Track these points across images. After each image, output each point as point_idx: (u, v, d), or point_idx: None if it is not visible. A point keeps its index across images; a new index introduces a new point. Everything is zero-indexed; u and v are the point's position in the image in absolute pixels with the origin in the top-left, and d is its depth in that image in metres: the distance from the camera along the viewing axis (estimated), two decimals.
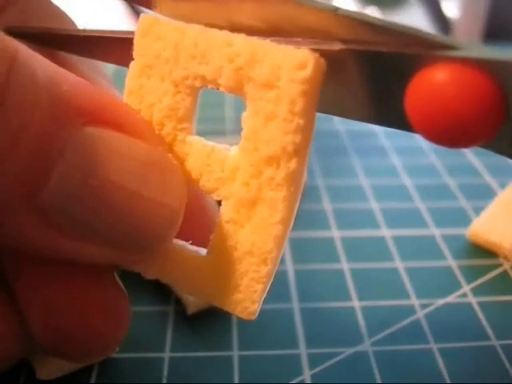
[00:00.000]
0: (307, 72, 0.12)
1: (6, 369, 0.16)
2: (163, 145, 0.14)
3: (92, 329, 0.14)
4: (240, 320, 0.21)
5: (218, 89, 0.13)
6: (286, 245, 0.24)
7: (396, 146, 0.33)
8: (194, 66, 0.13)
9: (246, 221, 0.13)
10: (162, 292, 0.22)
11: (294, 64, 0.12)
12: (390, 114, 0.13)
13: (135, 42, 0.14)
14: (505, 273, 0.23)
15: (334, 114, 0.14)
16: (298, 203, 0.13)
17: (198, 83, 0.13)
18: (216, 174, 0.13)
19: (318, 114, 0.14)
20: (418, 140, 0.33)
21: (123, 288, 0.16)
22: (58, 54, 0.17)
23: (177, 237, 0.14)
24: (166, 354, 0.19)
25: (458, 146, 0.12)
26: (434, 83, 0.11)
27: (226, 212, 0.13)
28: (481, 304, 0.21)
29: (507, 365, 0.19)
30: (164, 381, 0.18)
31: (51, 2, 0.19)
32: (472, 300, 0.22)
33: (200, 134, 0.35)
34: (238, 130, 0.37)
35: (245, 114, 0.13)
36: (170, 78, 0.13)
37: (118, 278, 0.15)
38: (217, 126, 0.35)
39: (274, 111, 0.12)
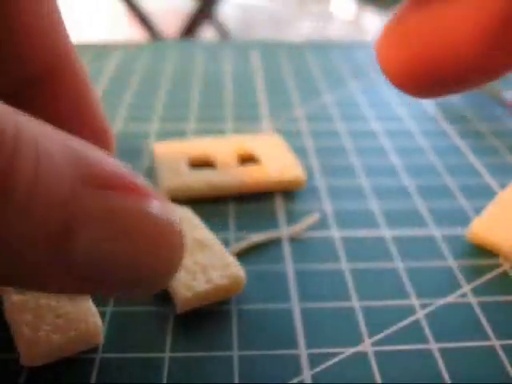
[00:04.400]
0: None
1: None
2: (169, 205, 0.15)
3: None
4: (240, 320, 0.21)
5: None
6: (286, 245, 0.24)
7: (396, 146, 0.33)
8: None
9: None
10: (162, 292, 0.22)
11: None
12: None
13: None
14: (505, 273, 0.23)
15: None
16: None
17: None
18: None
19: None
20: (418, 140, 0.33)
21: None
22: None
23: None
24: (166, 354, 0.19)
25: None
26: None
27: None
28: (481, 304, 0.22)
29: (507, 365, 0.19)
30: (164, 381, 0.18)
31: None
32: (472, 300, 0.22)
33: (200, 133, 0.36)
34: (238, 130, 0.37)
35: None
36: None
37: None
38: (217, 126, 0.35)
39: None
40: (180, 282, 0.20)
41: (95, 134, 0.23)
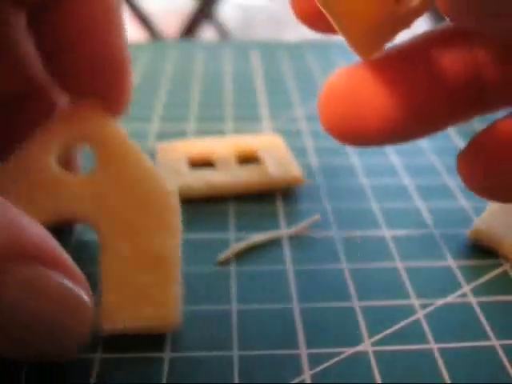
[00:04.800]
0: None
1: None
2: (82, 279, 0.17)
3: None
4: (240, 320, 0.21)
5: None
6: (286, 246, 0.24)
7: (396, 146, 0.33)
8: None
9: None
10: None
11: None
12: None
13: None
14: (505, 273, 0.23)
15: None
16: None
17: None
18: None
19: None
20: (418, 140, 0.33)
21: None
22: None
23: None
24: (166, 354, 0.19)
25: None
26: None
27: None
28: (481, 304, 0.22)
29: (507, 365, 0.19)
30: (164, 381, 0.18)
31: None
32: (472, 300, 0.22)
33: (200, 133, 0.36)
34: (238, 130, 0.37)
35: None
36: None
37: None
38: (217, 126, 0.35)
39: None
40: (109, 306, 0.19)
41: (108, 64, 0.21)
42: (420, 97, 0.14)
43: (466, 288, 0.22)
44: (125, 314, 0.19)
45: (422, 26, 0.16)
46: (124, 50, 0.22)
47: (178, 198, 0.21)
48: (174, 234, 0.20)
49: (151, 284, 0.19)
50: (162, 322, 0.19)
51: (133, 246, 0.20)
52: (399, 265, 0.23)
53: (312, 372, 0.19)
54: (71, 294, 0.16)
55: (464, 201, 0.28)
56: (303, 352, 0.19)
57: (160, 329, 0.19)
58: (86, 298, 0.17)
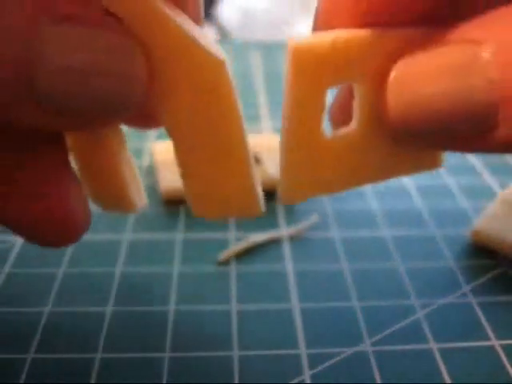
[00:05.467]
0: None
1: None
2: (125, 30, 0.15)
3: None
4: (240, 320, 0.21)
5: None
6: (285, 245, 0.23)
7: None
8: None
9: None
10: (161, 292, 0.22)
11: None
12: None
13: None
14: (505, 273, 0.23)
15: None
16: None
17: None
18: None
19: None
20: None
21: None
22: None
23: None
24: (166, 354, 0.19)
25: None
26: None
27: None
28: (481, 304, 0.22)
29: (507, 365, 0.19)
30: (164, 381, 0.18)
31: None
32: (472, 300, 0.22)
33: None
34: None
35: None
36: None
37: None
38: None
39: None
40: (193, 198, 0.18)
41: None
42: None
43: (466, 288, 0.22)
44: (210, 205, 0.18)
45: None
46: None
47: (228, 68, 0.16)
48: (232, 113, 0.17)
49: (225, 174, 0.18)
50: (245, 209, 0.18)
51: (198, 136, 0.17)
52: (399, 265, 0.23)
53: (312, 372, 0.19)
54: (116, 47, 0.14)
55: (464, 201, 0.28)
56: (303, 352, 0.19)
57: (246, 214, 0.18)
58: (137, 53, 0.14)
